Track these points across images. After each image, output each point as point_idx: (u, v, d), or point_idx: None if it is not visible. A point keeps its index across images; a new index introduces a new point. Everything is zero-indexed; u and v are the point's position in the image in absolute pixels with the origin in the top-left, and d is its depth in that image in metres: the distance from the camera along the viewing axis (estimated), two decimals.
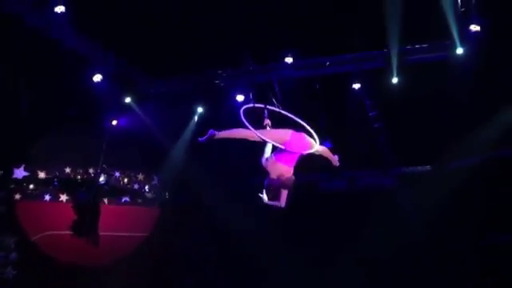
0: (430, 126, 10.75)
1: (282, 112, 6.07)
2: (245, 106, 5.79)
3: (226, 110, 11.34)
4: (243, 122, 5.49)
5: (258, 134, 5.46)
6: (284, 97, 10.66)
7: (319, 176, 12.47)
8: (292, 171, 5.70)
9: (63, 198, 11.49)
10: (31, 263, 11.00)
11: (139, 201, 12.11)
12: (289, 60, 10.15)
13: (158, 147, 11.68)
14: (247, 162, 10.48)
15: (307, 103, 10.98)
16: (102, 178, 11.53)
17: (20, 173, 11.26)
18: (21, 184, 11.23)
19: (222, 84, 10.81)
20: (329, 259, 11.93)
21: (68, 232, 11.32)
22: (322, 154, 6.00)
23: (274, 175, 5.67)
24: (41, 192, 11.37)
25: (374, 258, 11.81)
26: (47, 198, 11.39)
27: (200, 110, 11.52)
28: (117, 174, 11.93)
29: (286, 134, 5.57)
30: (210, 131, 5.68)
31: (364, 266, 11.91)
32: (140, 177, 12.20)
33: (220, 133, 5.64)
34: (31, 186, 11.29)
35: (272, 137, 5.58)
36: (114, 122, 11.40)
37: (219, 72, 10.74)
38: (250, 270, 11.96)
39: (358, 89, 10.55)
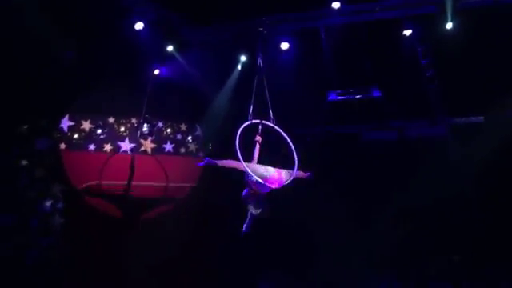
0: (485, 75, 10.27)
1: (276, 128, 6.78)
2: (241, 128, 6.67)
3: (269, 58, 10.74)
4: (237, 150, 6.38)
5: (245, 167, 6.33)
6: (331, 45, 10.54)
7: (366, 126, 12.18)
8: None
9: (107, 147, 11.46)
10: (78, 212, 11.11)
11: (182, 151, 11.98)
12: (336, 5, 9.72)
13: (201, 97, 11.51)
14: (295, 112, 10.95)
15: (354, 51, 10.73)
16: (144, 128, 11.36)
17: (65, 123, 11.24)
18: (66, 134, 11.23)
19: (265, 31, 10.46)
20: (375, 211, 11.67)
21: (113, 182, 11.36)
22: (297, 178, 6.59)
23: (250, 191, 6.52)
24: (85, 142, 11.34)
25: (422, 209, 11.56)
26: (92, 147, 11.36)
27: (243, 58, 11.23)
28: (160, 123, 11.78)
29: (267, 171, 6.45)
30: (207, 159, 6.49)
31: (411, 217, 11.70)
32: (183, 127, 12.04)
33: (217, 162, 6.45)
34: (76, 136, 11.27)
35: (256, 172, 6.41)
36: (157, 72, 11.17)
37: (263, 19, 10.39)
38: (291, 225, 11.76)
39: (409, 35, 10.07)
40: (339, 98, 11.30)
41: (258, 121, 6.78)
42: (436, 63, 10.66)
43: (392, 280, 11.44)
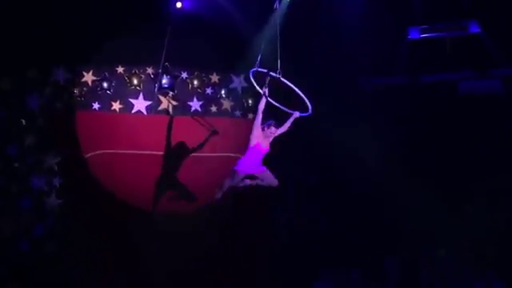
0: None
1: (282, 80, 6.86)
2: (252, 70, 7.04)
3: None
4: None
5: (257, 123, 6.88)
6: None
7: (462, 74, 10.14)
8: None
9: (116, 106, 9.43)
10: (79, 190, 9.26)
11: (213, 109, 9.88)
12: None
13: (237, 39, 9.52)
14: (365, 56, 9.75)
15: None
16: (164, 81, 9.51)
17: (61, 74, 9.28)
18: (62, 88, 9.32)
19: None
20: (471, 190, 10.00)
21: (126, 151, 9.41)
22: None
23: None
24: (87, 99, 9.38)
25: None
26: (96, 106, 9.37)
27: None
28: (184, 74, 9.79)
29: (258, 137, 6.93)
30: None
31: None
32: (214, 78, 9.93)
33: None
34: (75, 91, 9.34)
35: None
36: (179, 5, 9.34)
37: None
38: (360, 203, 10.09)
39: None
40: (423, 35, 9.64)
41: (264, 70, 6.96)
42: None
43: (491, 279, 9.66)
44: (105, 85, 9.33)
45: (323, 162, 10.32)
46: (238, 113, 9.89)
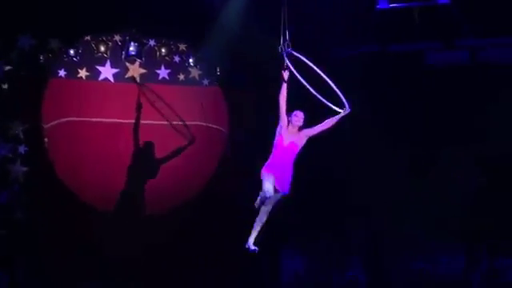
0: None
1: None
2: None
3: None
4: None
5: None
6: None
7: (428, 45, 10.29)
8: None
9: (82, 73, 9.43)
10: (45, 158, 9.28)
11: (181, 78, 9.87)
12: None
13: (205, 6, 9.44)
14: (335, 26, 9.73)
15: None
16: (131, 48, 9.49)
17: (26, 41, 9.19)
18: (27, 55, 9.27)
19: None
20: (441, 160, 10.12)
21: (93, 119, 9.42)
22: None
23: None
24: (54, 66, 9.38)
25: (496, 155, 10.02)
26: (62, 73, 9.36)
27: None
28: (151, 42, 9.79)
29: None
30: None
31: (482, 164, 10.13)
32: (182, 46, 9.92)
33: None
34: (41, 58, 9.31)
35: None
36: None
37: None
38: (330, 173, 10.17)
39: None
40: (392, 5, 9.64)
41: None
42: None
43: (457, 254, 9.94)
44: (71, 52, 9.29)
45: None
46: (205, 81, 9.86)
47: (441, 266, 9.75)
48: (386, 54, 10.25)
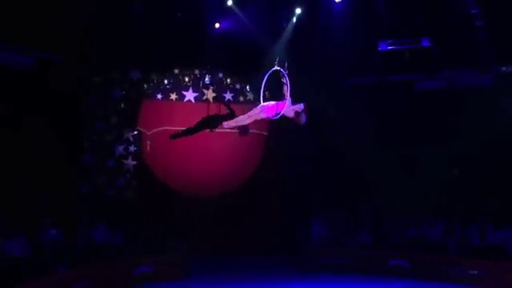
0: None
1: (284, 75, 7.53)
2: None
3: (324, 11, 11.78)
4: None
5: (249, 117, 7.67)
6: None
7: (416, 76, 12.45)
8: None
9: (173, 96, 12.42)
10: (147, 155, 12.24)
11: (241, 99, 12.72)
12: None
13: (258, 48, 11.85)
14: (348, 61, 11.62)
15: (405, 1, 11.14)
16: (206, 79, 12.28)
17: (135, 74, 12.25)
18: (136, 84, 12.23)
19: None
20: (423, 157, 12.16)
21: (180, 128, 12.18)
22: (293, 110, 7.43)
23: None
24: (153, 91, 12.30)
25: (465, 153, 11.86)
26: (159, 96, 12.35)
27: (298, 11, 11.81)
28: (220, 74, 12.60)
29: (259, 110, 7.71)
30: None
31: (455, 159, 12.07)
32: (241, 78, 12.69)
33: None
34: (145, 86, 12.27)
35: (256, 116, 7.72)
36: (217, 25, 11.92)
37: None
38: (344, 166, 12.41)
39: None
40: (390, 47, 11.63)
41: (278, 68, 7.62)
42: (486, 12, 10.85)
43: (437, 224, 11.69)
44: (165, 81, 12.30)
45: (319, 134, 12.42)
46: (258, 102, 12.71)
47: (425, 232, 11.43)
48: (384, 83, 12.26)
